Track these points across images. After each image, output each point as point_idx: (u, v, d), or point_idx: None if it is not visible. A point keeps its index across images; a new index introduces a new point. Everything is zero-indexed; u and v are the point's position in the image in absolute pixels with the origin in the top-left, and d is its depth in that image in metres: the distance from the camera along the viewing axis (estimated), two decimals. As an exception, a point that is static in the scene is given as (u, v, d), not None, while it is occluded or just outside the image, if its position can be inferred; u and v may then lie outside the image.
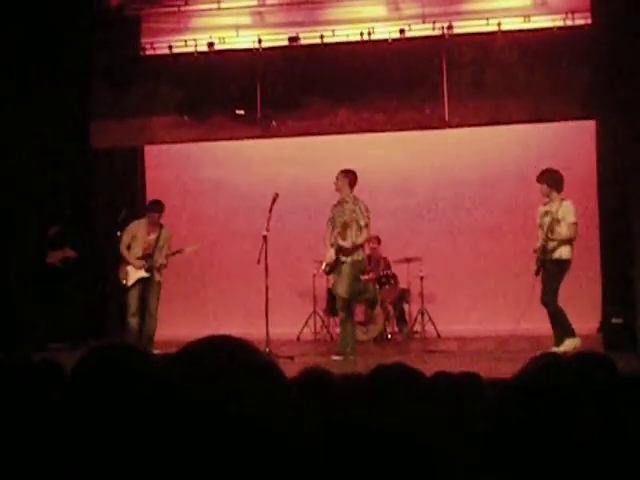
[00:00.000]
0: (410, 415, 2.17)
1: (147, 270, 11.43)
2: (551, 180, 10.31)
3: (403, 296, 13.60)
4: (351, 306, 10.89)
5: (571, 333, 10.09)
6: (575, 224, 10.16)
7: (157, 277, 11.57)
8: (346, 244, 10.62)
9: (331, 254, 10.72)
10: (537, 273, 10.40)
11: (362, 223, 10.69)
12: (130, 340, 11.06)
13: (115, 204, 13.04)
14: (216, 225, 14.59)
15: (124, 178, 14.16)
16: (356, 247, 10.69)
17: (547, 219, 10.23)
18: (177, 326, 11.92)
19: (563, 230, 10.14)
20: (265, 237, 10.69)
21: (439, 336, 13.17)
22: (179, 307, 14.00)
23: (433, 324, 13.27)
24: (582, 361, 2.38)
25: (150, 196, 14.39)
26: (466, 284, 13.94)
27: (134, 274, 11.49)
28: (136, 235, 11.54)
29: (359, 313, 12.97)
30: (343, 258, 10.68)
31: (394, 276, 13.40)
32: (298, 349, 11.45)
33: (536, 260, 10.40)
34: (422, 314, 13.36)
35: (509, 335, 12.09)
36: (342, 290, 10.67)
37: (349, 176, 10.87)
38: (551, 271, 10.22)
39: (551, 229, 10.15)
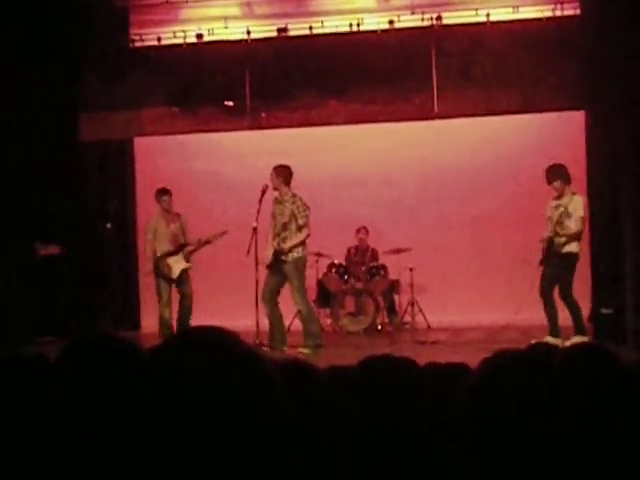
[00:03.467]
0: (398, 407, 2.17)
1: (187, 260, 11.55)
2: (562, 175, 10.36)
3: (393, 287, 13.60)
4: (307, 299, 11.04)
5: (583, 331, 10.20)
6: (583, 218, 10.24)
7: (187, 265, 11.70)
8: (285, 246, 10.65)
9: (269, 252, 10.73)
10: (541, 263, 10.46)
11: (301, 222, 10.67)
12: (164, 331, 11.25)
13: (105, 196, 13.00)
14: (205, 217, 14.56)
15: (114, 170, 14.13)
16: (296, 246, 10.71)
17: (557, 212, 10.28)
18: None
19: (572, 224, 10.21)
20: (255, 229, 10.68)
21: (429, 327, 13.18)
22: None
23: (423, 315, 13.27)
24: (580, 352, 2.39)
25: (140, 188, 14.38)
26: (456, 275, 13.95)
27: (177, 266, 11.57)
28: (157, 230, 11.62)
29: (349, 304, 12.99)
30: (283, 257, 10.68)
31: (384, 267, 13.39)
32: (288, 340, 11.44)
33: (542, 250, 10.46)
34: (412, 305, 13.35)
35: (500, 326, 12.12)
36: (298, 303, 10.72)
37: (283, 173, 10.78)
38: (562, 266, 10.29)
39: (560, 222, 10.20)
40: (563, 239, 10.27)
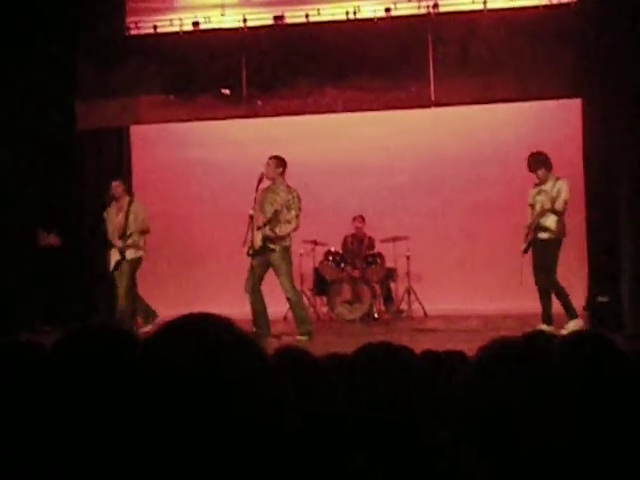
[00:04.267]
0: (395, 393, 2.17)
1: (120, 252, 11.47)
2: (542, 163, 10.40)
3: (389, 275, 13.62)
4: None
5: (574, 314, 10.22)
6: (566, 201, 10.25)
7: (131, 255, 11.58)
8: (276, 233, 10.66)
9: (258, 240, 10.73)
10: (526, 251, 10.48)
11: (294, 213, 10.73)
12: (123, 323, 11.09)
13: (102, 184, 12.97)
14: (203, 205, 14.59)
15: (110, 158, 14.11)
16: (286, 235, 10.74)
17: (540, 197, 10.30)
18: (164, 306, 11.87)
19: (558, 205, 10.22)
20: (251, 217, 10.69)
21: (426, 315, 13.20)
22: (166, 287, 14.00)
23: (420, 303, 13.29)
24: (578, 340, 2.38)
25: (137, 176, 14.37)
26: (453, 263, 13.98)
27: (113, 258, 11.57)
28: (111, 219, 11.62)
29: (346, 292, 13.00)
30: (272, 246, 10.71)
31: (380, 255, 13.40)
32: (285, 328, 11.47)
33: (525, 238, 10.48)
34: (409, 293, 13.39)
35: (496, 314, 12.15)
36: (287, 291, 10.74)
37: (281, 163, 10.87)
38: (547, 251, 10.32)
39: (544, 206, 10.22)
40: (547, 223, 10.29)
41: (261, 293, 10.83)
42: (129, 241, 11.51)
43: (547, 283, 10.34)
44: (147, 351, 1.58)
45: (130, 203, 11.65)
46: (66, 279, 12.72)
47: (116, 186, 11.70)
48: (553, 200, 10.18)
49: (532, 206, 10.47)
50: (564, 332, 9.23)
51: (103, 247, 11.86)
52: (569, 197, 10.27)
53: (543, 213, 10.27)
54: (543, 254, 10.36)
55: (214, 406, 1.48)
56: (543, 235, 10.32)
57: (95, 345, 2.15)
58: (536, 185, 10.48)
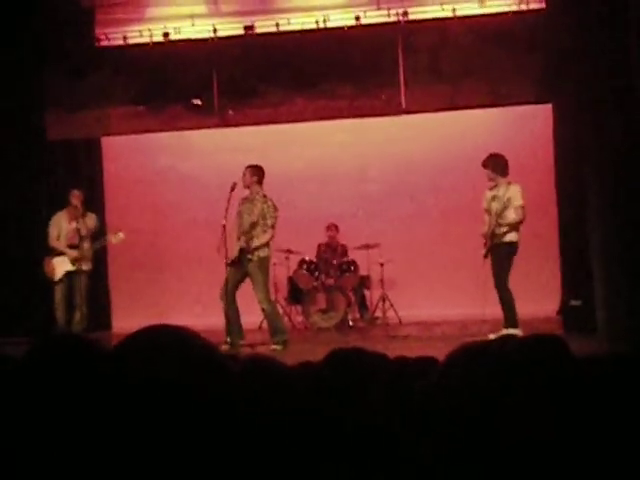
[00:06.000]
0: (365, 399, 2.18)
1: (73, 262, 11.36)
2: (495, 165, 10.41)
3: (363, 282, 13.63)
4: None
5: (515, 324, 10.19)
6: (522, 207, 10.25)
7: (85, 267, 11.49)
8: (253, 245, 10.66)
9: (235, 250, 10.73)
10: (485, 256, 10.50)
11: (269, 222, 10.73)
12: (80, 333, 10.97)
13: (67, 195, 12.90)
14: (174, 214, 14.56)
15: (81, 169, 14.06)
16: (262, 245, 10.73)
17: (495, 204, 10.32)
18: (135, 317, 11.82)
19: (511, 214, 10.23)
20: (224, 226, 10.68)
21: (401, 322, 13.20)
22: (137, 297, 13.97)
23: (394, 310, 13.30)
24: (536, 343, 2.39)
25: (108, 187, 14.34)
26: (426, 269, 14.00)
27: (61, 267, 11.42)
28: (60, 226, 11.50)
29: (320, 301, 13.00)
30: (249, 256, 10.70)
31: (354, 263, 13.42)
32: (259, 337, 11.43)
33: (484, 244, 10.50)
34: (383, 300, 13.40)
35: (471, 319, 12.17)
36: (262, 301, 10.72)
37: (257, 172, 10.88)
38: (501, 255, 10.32)
39: (499, 214, 10.23)
40: (503, 229, 10.31)
41: (236, 302, 10.81)
42: (85, 253, 11.41)
43: (497, 286, 10.33)
44: (111, 362, 1.58)
45: (85, 214, 11.54)
46: (34, 289, 12.54)
47: (75, 196, 11.56)
48: (506, 206, 10.20)
49: (487, 211, 10.48)
50: (492, 336, 9.26)
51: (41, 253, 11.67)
52: (523, 202, 10.26)
53: (498, 219, 10.27)
54: (497, 258, 10.37)
55: (173, 418, 1.48)
56: (498, 240, 10.34)
57: (64, 357, 2.14)
58: (490, 189, 10.49)
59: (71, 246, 11.38)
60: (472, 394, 1.86)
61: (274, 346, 10.61)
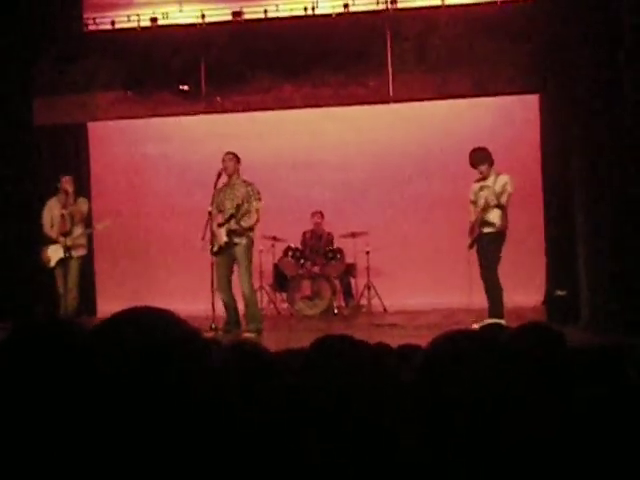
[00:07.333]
0: (350, 386, 2.18)
1: (66, 249, 11.34)
2: (485, 159, 10.39)
3: (349, 270, 13.65)
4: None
5: (500, 314, 10.19)
6: (510, 195, 10.25)
7: (77, 253, 11.47)
8: (242, 225, 10.60)
9: (223, 236, 10.66)
10: (471, 246, 10.51)
11: (254, 205, 10.65)
12: (70, 318, 10.95)
13: (58, 180, 12.88)
14: (161, 201, 14.53)
15: (68, 154, 14.01)
16: (250, 228, 10.69)
17: (484, 193, 10.31)
18: (120, 302, 11.75)
19: (503, 199, 10.22)
20: (210, 213, 10.64)
21: (385, 310, 13.23)
22: (124, 284, 13.94)
23: (379, 298, 13.31)
24: (527, 332, 2.40)
25: (95, 173, 14.30)
26: (412, 258, 14.00)
27: (56, 254, 11.41)
28: (53, 212, 11.47)
29: (306, 288, 13.02)
30: (237, 240, 10.61)
31: (340, 250, 13.44)
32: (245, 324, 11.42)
33: (470, 235, 10.50)
34: (369, 288, 13.41)
35: (455, 308, 12.20)
36: (244, 286, 10.67)
37: (238, 159, 10.78)
38: (491, 245, 10.32)
39: (488, 202, 10.22)
40: (491, 218, 10.30)
41: (231, 290, 10.78)
42: (77, 239, 11.39)
43: (485, 276, 10.33)
44: (92, 343, 1.58)
45: (76, 200, 11.52)
46: (19, 274, 12.52)
47: (66, 181, 11.52)
48: (498, 195, 10.18)
49: (474, 202, 10.47)
50: (475, 326, 9.28)
51: (37, 240, 11.65)
52: (512, 190, 10.28)
53: (487, 208, 10.27)
54: (487, 248, 10.37)
55: (155, 400, 1.48)
56: (487, 229, 10.34)
57: (48, 338, 2.14)
58: (477, 181, 10.49)
59: (64, 233, 11.35)
60: (461, 382, 1.87)
61: (248, 334, 10.53)
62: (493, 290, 10.31)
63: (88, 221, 11.70)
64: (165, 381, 1.50)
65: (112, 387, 1.50)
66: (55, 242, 11.39)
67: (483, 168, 10.37)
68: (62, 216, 11.40)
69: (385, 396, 2.23)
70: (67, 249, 11.31)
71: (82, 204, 11.56)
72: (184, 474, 1.49)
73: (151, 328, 1.58)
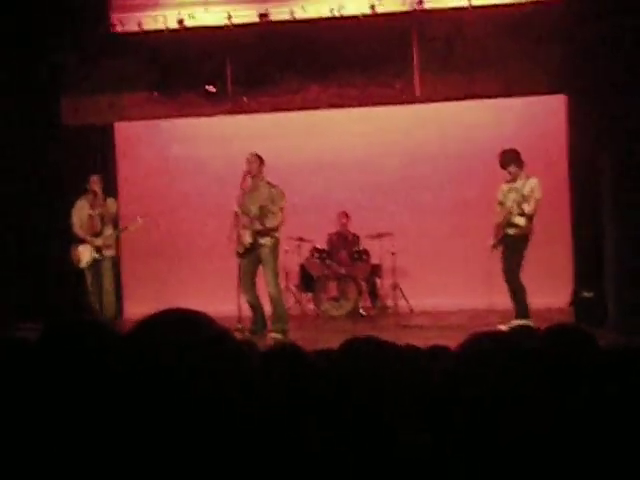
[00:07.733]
0: (379, 388, 2.18)
1: (96, 250, 11.37)
2: (515, 160, 10.37)
3: (375, 271, 13.62)
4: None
5: (526, 314, 10.17)
6: (539, 200, 10.23)
7: (108, 253, 11.49)
8: (266, 225, 10.58)
9: (247, 237, 10.66)
10: (494, 247, 10.49)
11: (281, 204, 10.63)
12: (108, 319, 10.99)
13: (86, 181, 12.94)
14: (187, 201, 14.55)
15: (95, 155, 14.07)
16: (274, 229, 10.68)
17: (512, 195, 10.28)
18: (150, 304, 11.83)
19: (527, 206, 10.19)
20: (236, 213, 10.66)
21: (412, 311, 13.20)
22: (152, 285, 13.97)
23: (406, 299, 13.29)
24: (559, 334, 2.39)
25: (121, 173, 14.35)
26: (438, 259, 13.96)
27: (87, 254, 11.43)
28: (82, 213, 11.49)
29: (332, 289, 13.01)
30: (262, 240, 10.62)
31: (366, 251, 13.42)
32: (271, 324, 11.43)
33: (495, 235, 10.48)
34: (395, 289, 13.39)
35: (481, 309, 12.16)
36: (271, 286, 10.67)
37: (262, 160, 10.78)
38: (514, 247, 10.30)
39: (518, 205, 10.19)
40: (517, 220, 10.28)
41: (255, 290, 10.79)
42: (107, 240, 11.42)
43: (509, 278, 10.32)
44: (128, 347, 1.58)
45: (105, 200, 11.55)
46: (49, 275, 12.59)
47: (94, 181, 11.55)
48: (526, 199, 10.16)
49: (502, 203, 10.45)
50: (503, 327, 9.25)
51: (68, 241, 11.68)
52: (541, 196, 10.25)
53: (515, 211, 10.25)
54: (510, 250, 10.35)
55: (190, 401, 1.48)
56: (512, 231, 10.31)
57: (81, 339, 2.15)
58: (507, 182, 10.47)
59: (94, 234, 11.39)
60: (493, 384, 1.86)
61: (274, 334, 10.55)
62: (517, 292, 10.30)
63: (116, 222, 11.75)
64: (201, 383, 1.50)
65: (147, 389, 1.50)
66: (85, 242, 11.42)
67: (512, 169, 10.34)
68: (91, 216, 11.43)
69: (415, 398, 2.22)
70: (98, 249, 11.35)
71: (111, 204, 11.59)
72: (210, 471, 1.49)
73: (186, 330, 1.58)
